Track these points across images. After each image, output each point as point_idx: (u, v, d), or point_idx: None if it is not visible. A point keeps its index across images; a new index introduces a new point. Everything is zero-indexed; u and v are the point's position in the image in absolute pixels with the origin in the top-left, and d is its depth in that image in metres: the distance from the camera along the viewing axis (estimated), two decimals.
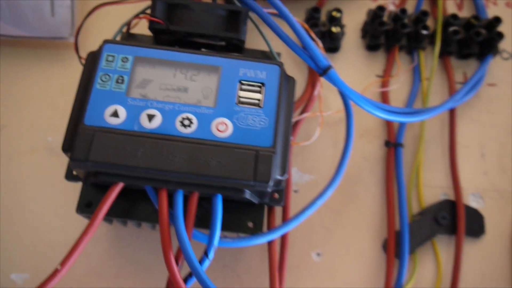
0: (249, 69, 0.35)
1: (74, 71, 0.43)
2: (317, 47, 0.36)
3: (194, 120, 0.33)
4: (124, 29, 0.39)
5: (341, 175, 0.36)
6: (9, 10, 0.42)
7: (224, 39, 0.38)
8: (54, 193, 0.41)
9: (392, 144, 0.42)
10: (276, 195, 0.35)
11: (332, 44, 0.44)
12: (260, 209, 0.35)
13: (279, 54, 0.39)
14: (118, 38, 0.38)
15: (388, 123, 0.43)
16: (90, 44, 0.43)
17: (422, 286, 0.39)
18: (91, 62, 0.34)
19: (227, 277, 0.39)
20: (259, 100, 0.34)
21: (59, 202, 0.40)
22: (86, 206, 0.34)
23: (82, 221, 0.35)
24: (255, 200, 0.34)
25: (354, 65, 0.45)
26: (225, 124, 0.33)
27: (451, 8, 0.48)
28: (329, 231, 0.41)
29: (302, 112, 0.41)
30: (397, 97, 0.44)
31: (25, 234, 0.40)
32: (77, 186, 0.35)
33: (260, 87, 0.34)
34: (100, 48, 0.34)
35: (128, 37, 0.39)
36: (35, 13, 0.42)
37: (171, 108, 0.33)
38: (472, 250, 0.40)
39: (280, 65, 0.35)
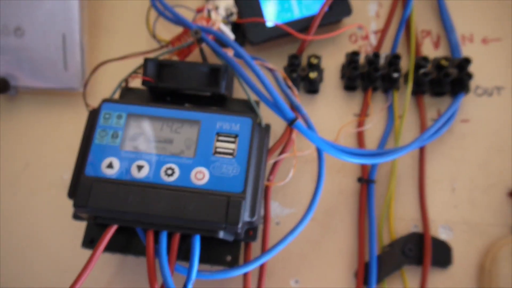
0: (225, 122, 0.40)
1: (84, 117, 0.48)
2: (287, 99, 0.41)
3: (176, 169, 0.38)
4: (123, 84, 0.45)
5: (313, 210, 0.40)
6: (28, 65, 0.49)
7: (208, 91, 0.43)
8: (67, 225, 0.47)
9: (365, 181, 0.45)
10: (251, 232, 0.40)
11: (311, 87, 0.48)
12: (237, 244, 0.40)
13: (258, 103, 0.44)
14: (117, 93, 0.44)
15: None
16: (97, 93, 0.50)
17: None
18: (92, 119, 0.40)
19: None
20: (233, 150, 0.38)
21: (70, 234, 0.47)
22: (90, 242, 0.41)
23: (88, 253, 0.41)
24: (229, 238, 0.39)
25: (333, 105, 0.49)
26: (203, 173, 0.38)
27: (428, 47, 0.51)
28: (307, 260, 0.45)
29: (281, 153, 0.45)
30: (372, 135, 0.48)
31: (39, 261, 0.47)
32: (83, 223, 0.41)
33: (234, 138, 0.39)
34: (99, 107, 0.40)
35: (126, 91, 0.45)
36: (50, 67, 0.49)
37: (157, 159, 0.38)
38: (439, 279, 0.44)
39: (253, 117, 0.39)
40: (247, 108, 0.44)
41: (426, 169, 0.46)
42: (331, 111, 0.49)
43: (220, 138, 0.39)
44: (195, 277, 0.36)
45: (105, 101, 0.41)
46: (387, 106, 0.48)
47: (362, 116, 0.48)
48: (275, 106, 0.40)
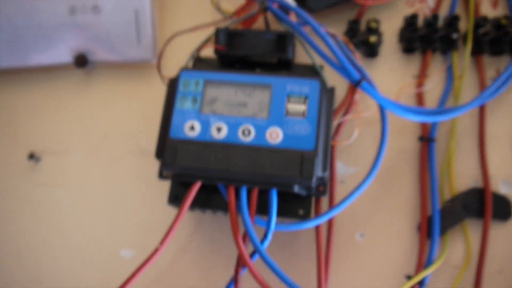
0: (295, 85, 0.42)
1: (157, 87, 0.52)
2: (350, 62, 0.43)
3: (252, 130, 0.41)
4: (195, 54, 0.48)
5: (377, 169, 0.42)
6: (104, 40, 0.53)
7: (276, 57, 0.45)
8: (145, 188, 0.51)
9: (426, 139, 0.47)
10: (321, 188, 0.43)
11: (371, 51, 0.50)
12: (309, 199, 0.44)
13: (322, 67, 0.46)
14: (190, 62, 0.48)
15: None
16: (169, 63, 0.53)
17: (452, 263, 0.45)
18: (172, 87, 0.44)
19: (284, 255, 0.48)
20: (303, 110, 0.41)
21: (149, 196, 0.51)
22: (175, 199, 0.45)
23: (169, 210, 0.45)
24: (303, 192, 0.42)
25: (392, 68, 0.51)
26: (277, 132, 0.41)
27: (486, 6, 0.51)
28: (371, 215, 0.48)
29: (345, 114, 0.48)
30: (432, 96, 0.49)
31: (128, 219, 0.52)
32: (161, 183, 0.45)
33: (304, 99, 0.42)
34: (178, 75, 0.44)
35: (198, 61, 0.48)
36: (125, 41, 0.53)
37: (233, 121, 0.42)
38: (500, 232, 0.46)
39: (320, 80, 0.42)
40: (311, 72, 0.46)
41: (487, 127, 0.48)
42: (390, 74, 0.51)
43: (291, 99, 0.42)
44: (274, 227, 0.40)
45: (184, 69, 0.44)
46: (446, 67, 0.50)
47: (421, 77, 0.49)
48: (342, 69, 0.42)
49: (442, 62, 0.51)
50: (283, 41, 0.45)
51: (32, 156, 0.54)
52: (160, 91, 0.46)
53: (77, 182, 0.53)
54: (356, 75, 0.42)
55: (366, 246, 0.47)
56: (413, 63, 0.51)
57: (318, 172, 0.40)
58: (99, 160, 0.54)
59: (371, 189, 0.48)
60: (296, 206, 0.44)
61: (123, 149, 0.54)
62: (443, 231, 0.45)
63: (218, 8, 0.52)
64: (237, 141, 0.41)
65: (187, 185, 0.42)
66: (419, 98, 0.49)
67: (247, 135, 0.41)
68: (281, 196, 0.43)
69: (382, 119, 0.44)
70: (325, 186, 0.43)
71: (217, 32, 0.46)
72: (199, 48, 0.47)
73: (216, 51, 0.46)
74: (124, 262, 0.51)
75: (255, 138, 0.41)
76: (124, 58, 0.53)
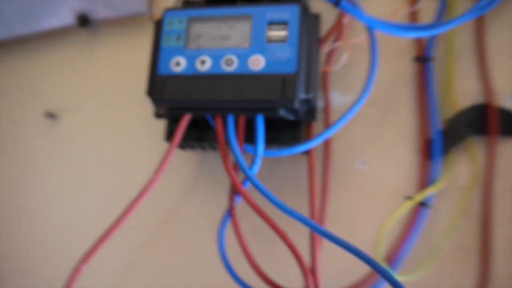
0: (275, 12, 0.42)
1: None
2: None
3: (235, 59, 0.41)
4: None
5: (367, 92, 0.41)
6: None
7: None
8: (156, 133, 0.53)
9: (422, 59, 0.46)
10: (310, 113, 0.43)
11: None
12: (299, 126, 0.43)
13: None
14: (179, 4, 0.48)
15: (418, 41, 0.46)
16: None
17: (459, 183, 0.44)
18: (157, 28, 0.45)
19: (280, 185, 0.48)
20: (284, 36, 0.41)
21: (160, 140, 0.53)
22: (170, 136, 0.46)
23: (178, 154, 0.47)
24: (290, 117, 0.42)
25: None
26: (258, 59, 0.41)
27: None
28: (371, 142, 0.47)
29: (335, 40, 0.47)
30: (426, 17, 0.47)
31: (141, 164, 0.54)
32: None
33: (285, 25, 0.41)
34: (162, 16, 0.45)
35: (187, 3, 0.49)
36: None
37: (217, 53, 0.42)
38: (507, 149, 0.43)
39: (300, 5, 0.41)
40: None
41: (487, 41, 0.45)
42: (381, 2, 0.49)
43: (272, 27, 0.42)
44: (262, 152, 0.40)
45: (167, 10, 0.45)
46: None
47: None
48: None
49: None
50: None
51: (49, 115, 0.58)
52: None
53: (92, 136, 0.56)
54: None
55: (367, 172, 0.46)
56: None
57: (301, 94, 0.40)
58: (110, 113, 0.56)
59: (368, 116, 0.47)
60: (287, 133, 0.44)
61: (131, 100, 0.56)
62: (446, 151, 0.43)
63: None
64: (220, 71, 0.42)
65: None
66: (413, 18, 0.47)
67: (230, 65, 0.42)
68: (271, 124, 0.44)
69: (371, 40, 0.43)
70: (314, 111, 0.43)
71: None
72: None
73: None
74: None
75: (238, 67, 0.41)
76: (121, 13, 0.55)
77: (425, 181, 0.44)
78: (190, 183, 0.52)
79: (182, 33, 0.44)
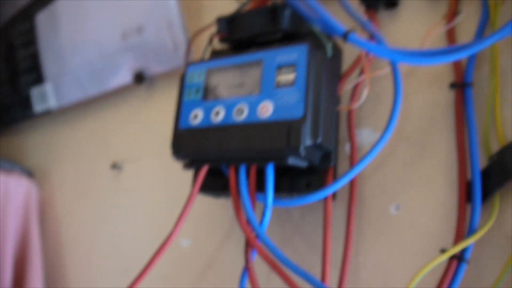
0: (284, 54, 0.41)
1: None
2: (334, 19, 0.39)
3: (245, 108, 0.41)
4: (210, 47, 0.50)
5: (390, 131, 0.37)
6: (151, 56, 0.60)
7: (275, 32, 0.44)
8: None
9: (459, 85, 0.40)
10: (327, 158, 0.40)
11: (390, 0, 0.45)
12: (315, 172, 0.41)
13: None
14: (207, 55, 0.50)
15: (455, 65, 0.41)
16: None
17: (507, 231, 0.36)
18: (180, 82, 0.47)
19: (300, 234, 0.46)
20: (292, 79, 0.39)
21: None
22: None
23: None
24: (302, 164, 0.40)
25: (417, 13, 0.44)
26: (267, 106, 0.40)
27: None
28: (405, 183, 0.42)
29: (360, 74, 0.44)
30: (467, 32, 0.41)
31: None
32: None
33: (293, 67, 0.40)
34: (185, 70, 0.47)
35: (214, 54, 0.50)
36: (164, 52, 0.58)
37: (230, 102, 0.42)
38: None
39: (309, 43, 0.40)
40: (315, 39, 0.44)
41: None
42: (416, 20, 0.44)
43: (282, 70, 0.41)
44: (271, 203, 0.39)
45: (190, 64, 0.47)
46: None
47: (450, 14, 0.41)
48: (324, 24, 0.39)
49: None
50: (275, 14, 0.44)
51: (114, 166, 0.64)
52: None
53: (148, 185, 0.61)
54: (340, 28, 0.38)
55: (401, 219, 0.41)
56: (441, 2, 0.43)
57: (307, 140, 0.37)
58: (164, 163, 0.60)
59: (402, 154, 0.42)
60: (302, 180, 0.41)
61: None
62: (490, 192, 0.37)
63: None
64: (231, 121, 0.41)
65: (212, 172, 0.44)
66: (450, 37, 0.41)
67: (240, 114, 0.41)
68: (287, 171, 0.42)
69: (393, 72, 0.39)
70: (330, 156, 0.40)
71: (217, 21, 0.47)
72: (191, 40, 0.50)
73: (221, 40, 0.48)
74: (183, 250, 0.55)
75: (247, 115, 0.41)
76: (167, 68, 0.59)
77: (463, 229, 0.37)
78: (227, 229, 0.52)
79: (200, 85, 0.45)
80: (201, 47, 0.52)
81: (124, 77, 0.63)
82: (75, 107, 0.71)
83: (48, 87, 0.71)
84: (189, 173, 0.57)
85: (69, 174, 0.70)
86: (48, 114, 0.73)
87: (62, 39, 0.68)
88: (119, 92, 0.66)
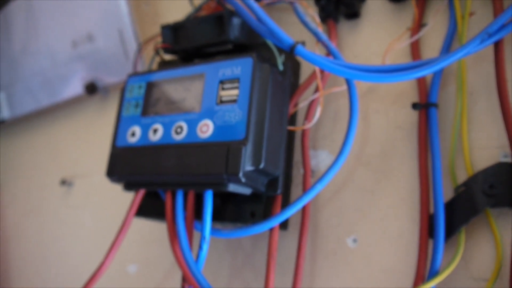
0: (227, 68, 0.36)
1: None
2: (281, 30, 0.34)
3: (185, 126, 0.37)
4: (158, 58, 0.46)
5: (344, 157, 0.33)
6: (102, 65, 0.55)
7: (222, 43, 0.40)
8: None
9: (422, 105, 0.35)
10: (273, 185, 0.35)
11: (350, 9, 0.40)
12: (260, 200, 0.36)
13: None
14: (154, 66, 0.45)
15: (419, 82, 0.36)
16: None
17: (475, 273, 0.32)
18: (121, 95, 0.42)
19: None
20: (236, 95, 0.35)
21: None
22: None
23: None
24: (246, 191, 0.35)
25: (380, 24, 0.40)
26: (207, 125, 0.36)
27: None
28: (364, 213, 0.37)
29: (315, 91, 0.39)
30: (430, 46, 0.37)
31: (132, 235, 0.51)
32: None
33: (237, 83, 0.35)
34: (125, 82, 0.42)
35: (162, 65, 0.46)
36: (116, 62, 0.54)
37: (169, 120, 0.38)
38: None
39: (254, 56, 0.35)
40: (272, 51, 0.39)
41: (509, 75, 0.33)
42: (379, 32, 0.40)
43: (225, 86, 0.36)
44: (209, 234, 0.34)
45: (130, 75, 0.42)
46: (445, 4, 0.37)
47: (416, 26, 0.37)
48: (271, 35, 0.35)
49: (440, 4, 0.37)
50: (221, 22, 0.40)
51: (64, 182, 0.59)
52: None
53: (96, 203, 0.56)
54: (287, 40, 0.34)
55: (358, 253, 0.37)
56: (405, 13, 0.39)
57: (247, 165, 0.33)
58: None
59: (361, 181, 0.38)
60: (247, 209, 0.37)
61: None
62: (455, 228, 0.32)
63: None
64: (169, 141, 0.37)
65: (155, 195, 0.40)
66: (414, 52, 0.37)
67: (179, 133, 0.37)
68: (232, 198, 0.38)
69: (349, 90, 0.34)
70: (276, 182, 0.35)
71: (161, 29, 0.43)
72: (140, 48, 0.46)
73: (165, 50, 0.43)
74: (129, 277, 0.50)
75: (186, 135, 0.36)
76: (120, 79, 0.55)
77: (424, 268, 0.32)
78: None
79: (140, 99, 0.40)
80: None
81: (75, 87, 0.58)
82: (27, 118, 0.66)
83: (1, 96, 0.67)
84: None
85: (20, 189, 0.65)
86: (0, 124, 0.68)
87: (14, 46, 0.63)
88: (72, 103, 0.61)
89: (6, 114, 0.66)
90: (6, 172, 0.67)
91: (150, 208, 0.41)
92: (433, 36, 0.37)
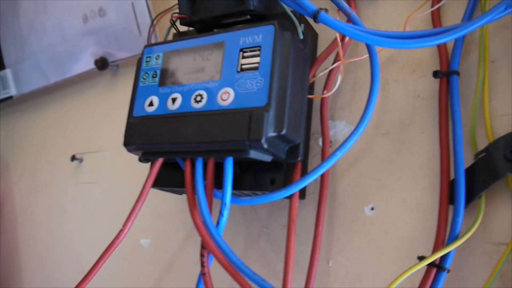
0: (248, 36, 0.36)
1: None
2: None
3: (205, 95, 0.37)
4: (173, 31, 0.45)
5: (364, 126, 0.33)
6: (114, 40, 0.55)
7: (240, 13, 0.40)
8: None
9: (444, 74, 0.35)
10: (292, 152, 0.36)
11: None
12: (280, 167, 0.36)
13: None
14: (170, 37, 0.45)
15: (440, 50, 0.36)
16: None
17: (494, 238, 0.32)
18: (137, 66, 0.42)
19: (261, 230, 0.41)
20: (257, 63, 0.35)
21: None
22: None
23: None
24: (266, 158, 0.35)
25: None
26: (228, 93, 0.35)
27: None
28: (382, 183, 0.37)
29: (334, 61, 0.39)
30: (454, 15, 0.37)
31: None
32: None
33: (259, 50, 0.35)
34: (142, 53, 0.42)
35: (178, 37, 0.45)
36: (129, 36, 0.54)
37: (189, 89, 0.38)
38: None
39: (275, 24, 0.35)
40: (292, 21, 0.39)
41: None
42: (398, 3, 0.40)
43: (245, 54, 0.36)
44: (229, 202, 0.34)
45: (146, 46, 0.42)
46: None
47: None
48: (294, 2, 0.35)
49: None
50: None
51: (75, 158, 0.59)
52: None
53: (108, 178, 0.56)
54: (311, 7, 0.34)
55: (376, 221, 0.37)
56: None
57: (270, 131, 0.33)
58: (125, 156, 0.55)
59: (380, 150, 0.38)
60: (267, 177, 0.37)
61: None
62: (475, 194, 0.32)
63: None
64: (189, 109, 0.37)
65: (168, 165, 0.40)
66: (435, 21, 0.37)
67: (199, 102, 0.37)
68: (252, 166, 0.38)
69: (371, 57, 0.34)
70: (297, 149, 0.36)
71: (179, 1, 0.42)
72: (155, 20, 0.45)
73: (182, 22, 0.43)
74: (143, 250, 0.50)
75: (206, 103, 0.36)
76: (132, 54, 0.54)
77: (444, 234, 0.33)
78: (191, 228, 0.47)
79: (158, 69, 0.40)
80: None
81: (86, 63, 0.58)
82: (36, 95, 0.65)
83: (8, 73, 0.66)
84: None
85: (28, 166, 0.65)
86: (8, 101, 0.68)
87: (22, 22, 0.63)
88: (82, 79, 0.61)
89: (13, 91, 0.66)
90: (15, 149, 0.67)
91: (166, 178, 0.41)
92: (455, 6, 0.37)
